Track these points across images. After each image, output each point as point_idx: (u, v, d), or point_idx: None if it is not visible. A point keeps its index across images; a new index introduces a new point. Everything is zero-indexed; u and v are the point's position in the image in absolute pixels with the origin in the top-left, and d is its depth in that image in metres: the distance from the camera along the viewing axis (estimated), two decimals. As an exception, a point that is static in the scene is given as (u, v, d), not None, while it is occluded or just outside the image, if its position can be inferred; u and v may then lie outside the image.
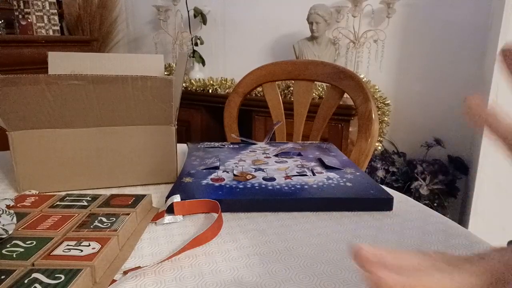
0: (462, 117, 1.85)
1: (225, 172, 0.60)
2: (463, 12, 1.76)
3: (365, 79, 1.90)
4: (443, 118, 1.89)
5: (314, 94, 1.68)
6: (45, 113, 0.53)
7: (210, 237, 0.44)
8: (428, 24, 1.83)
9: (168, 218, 0.48)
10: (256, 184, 0.55)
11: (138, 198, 0.50)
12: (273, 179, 0.57)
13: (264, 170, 0.61)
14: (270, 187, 0.54)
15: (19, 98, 0.51)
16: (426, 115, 1.93)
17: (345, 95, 0.97)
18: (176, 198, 0.51)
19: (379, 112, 1.84)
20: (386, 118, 1.89)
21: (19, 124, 0.54)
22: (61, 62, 0.69)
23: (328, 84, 1.01)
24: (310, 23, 1.82)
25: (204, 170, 0.61)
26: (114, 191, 0.59)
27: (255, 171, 0.61)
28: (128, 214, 0.45)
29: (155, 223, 0.48)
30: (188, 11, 2.21)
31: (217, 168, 0.62)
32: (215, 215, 0.50)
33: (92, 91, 0.53)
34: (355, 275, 0.38)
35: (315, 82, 1.05)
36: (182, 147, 0.77)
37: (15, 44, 1.82)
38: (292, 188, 0.54)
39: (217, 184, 0.56)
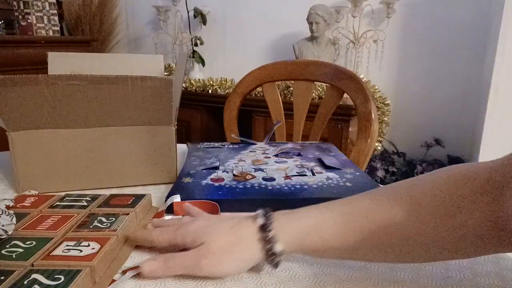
0: (461, 117, 1.85)
1: (225, 172, 0.60)
2: (463, 12, 1.76)
3: (364, 79, 1.90)
4: (442, 118, 1.89)
5: (313, 94, 1.68)
6: (45, 114, 0.53)
7: None
8: (427, 24, 1.83)
9: (167, 218, 0.48)
10: (256, 184, 0.55)
11: (138, 198, 0.50)
12: (273, 179, 0.57)
13: (264, 170, 0.61)
14: (270, 187, 0.54)
15: (19, 99, 0.51)
16: (426, 115, 1.93)
17: (345, 95, 0.97)
18: (176, 198, 0.51)
19: (378, 112, 1.84)
20: (385, 118, 1.89)
21: (19, 125, 0.54)
22: (61, 63, 0.69)
23: (327, 84, 1.01)
24: (310, 23, 1.82)
25: (204, 170, 0.61)
26: (114, 191, 0.59)
27: (255, 171, 0.61)
28: (127, 214, 0.45)
29: (155, 223, 0.48)
30: (188, 12, 2.21)
31: (217, 168, 0.62)
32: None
33: (92, 91, 0.53)
34: (355, 274, 0.38)
35: (315, 82, 1.05)
36: (182, 147, 0.77)
37: (15, 45, 1.82)
38: (292, 188, 0.54)
39: (216, 184, 0.56)
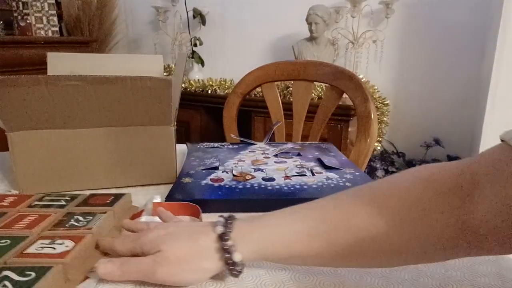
0: (461, 117, 1.86)
1: (225, 173, 0.60)
2: (462, 12, 1.76)
3: (364, 79, 1.90)
4: (442, 118, 1.90)
5: (313, 95, 1.68)
6: (45, 114, 0.53)
7: None
8: (427, 25, 1.84)
9: (144, 218, 0.48)
10: (255, 184, 0.55)
11: (117, 197, 0.50)
12: (272, 179, 0.57)
13: (264, 170, 0.61)
14: (269, 187, 0.54)
15: (19, 99, 0.51)
16: (425, 115, 1.93)
17: (344, 95, 0.97)
18: (156, 199, 0.50)
19: (378, 112, 1.84)
20: (385, 118, 1.89)
21: (19, 125, 0.54)
22: (60, 63, 0.69)
23: (327, 85, 1.01)
24: (309, 24, 1.82)
25: (204, 171, 0.61)
26: (114, 191, 0.59)
27: (254, 171, 0.61)
28: (105, 212, 0.45)
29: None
30: (187, 12, 2.21)
31: (216, 168, 0.62)
32: (203, 215, 0.49)
33: (91, 92, 0.53)
34: (355, 275, 0.38)
35: (314, 82, 1.05)
36: (182, 148, 0.77)
37: (14, 45, 1.82)
38: (292, 188, 0.54)
39: (216, 184, 0.56)
